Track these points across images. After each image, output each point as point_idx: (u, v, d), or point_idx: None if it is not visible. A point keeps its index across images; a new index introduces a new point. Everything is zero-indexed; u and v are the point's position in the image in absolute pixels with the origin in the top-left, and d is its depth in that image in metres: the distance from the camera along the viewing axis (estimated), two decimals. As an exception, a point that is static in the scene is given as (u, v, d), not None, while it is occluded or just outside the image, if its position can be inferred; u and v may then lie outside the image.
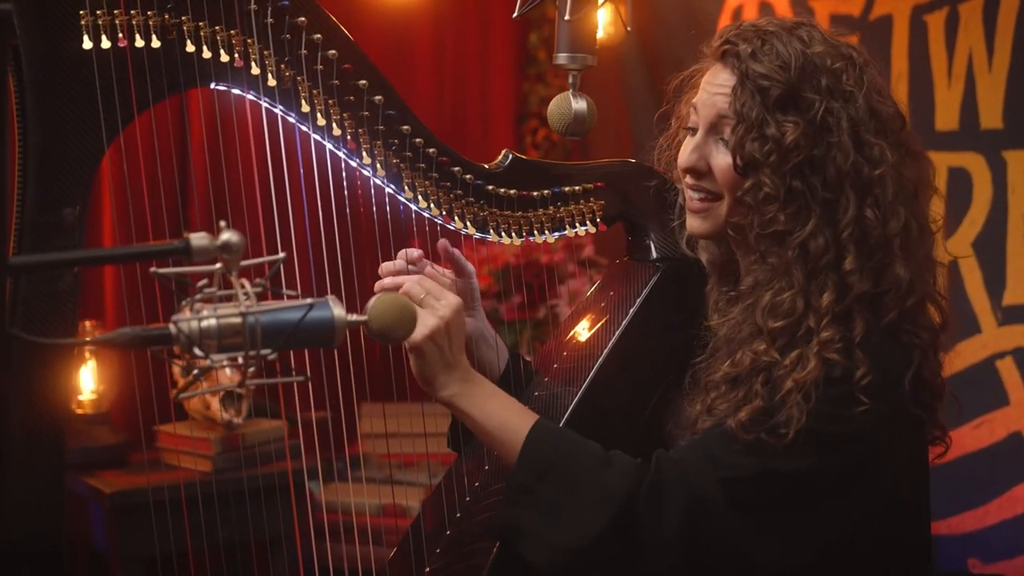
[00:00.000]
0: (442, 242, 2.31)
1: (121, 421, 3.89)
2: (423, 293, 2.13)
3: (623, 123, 4.95)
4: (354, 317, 1.74)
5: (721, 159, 2.12)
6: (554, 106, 2.14)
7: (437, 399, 2.16)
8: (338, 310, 1.69)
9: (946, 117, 3.94)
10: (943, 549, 3.95)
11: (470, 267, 2.38)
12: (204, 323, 1.62)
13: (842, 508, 2.05)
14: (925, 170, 2.17)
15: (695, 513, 2.00)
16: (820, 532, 2.04)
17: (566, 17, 2.04)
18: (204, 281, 1.65)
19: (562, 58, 2.09)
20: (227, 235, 1.59)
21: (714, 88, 2.14)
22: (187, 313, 1.62)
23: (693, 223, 2.21)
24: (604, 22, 4.61)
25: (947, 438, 2.21)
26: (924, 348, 2.07)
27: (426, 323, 2.08)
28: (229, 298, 1.65)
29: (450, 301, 2.13)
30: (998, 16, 3.81)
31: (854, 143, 2.05)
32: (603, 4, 2.09)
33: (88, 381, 3.76)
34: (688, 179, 2.19)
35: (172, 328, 1.61)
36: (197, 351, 1.63)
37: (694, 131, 2.17)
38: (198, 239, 1.59)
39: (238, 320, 1.61)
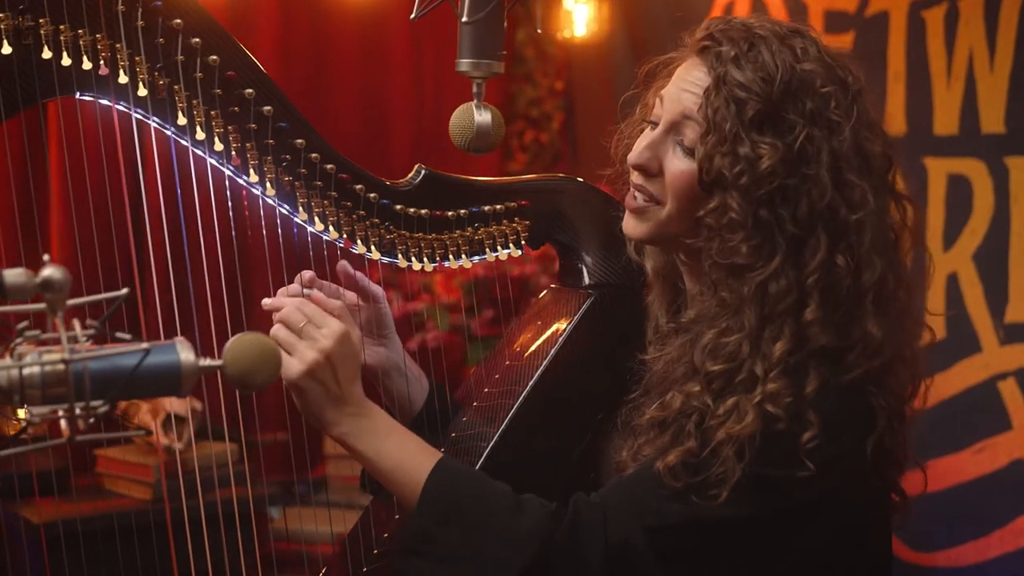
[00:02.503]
0: (341, 264, 2.10)
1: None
2: (303, 321, 1.92)
3: (612, 122, 4.72)
4: (207, 362, 1.53)
5: (676, 163, 1.90)
6: (455, 119, 1.90)
7: (329, 436, 1.96)
8: (186, 354, 1.49)
9: (945, 120, 3.70)
10: (942, 582, 3.73)
11: (378, 290, 2.17)
12: (27, 371, 1.42)
13: (776, 565, 1.86)
14: (910, 217, 1.95)
15: (615, 561, 1.81)
16: None
17: (463, 19, 1.81)
18: (25, 323, 1.45)
19: (464, 65, 1.86)
20: (49, 271, 1.39)
21: (685, 84, 1.91)
22: (7, 359, 1.43)
23: (628, 223, 2.00)
24: (587, 19, 4.39)
25: (907, 504, 2.00)
26: (889, 414, 1.85)
27: (304, 357, 1.89)
28: (72, 341, 1.45)
29: (333, 329, 1.91)
30: (1000, 12, 3.56)
31: (833, 180, 1.82)
32: (511, 7, 1.85)
33: (23, 402, 3.55)
34: (634, 176, 1.97)
35: (-11, 377, 1.41)
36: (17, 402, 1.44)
37: (656, 125, 1.95)
38: (13, 276, 1.40)
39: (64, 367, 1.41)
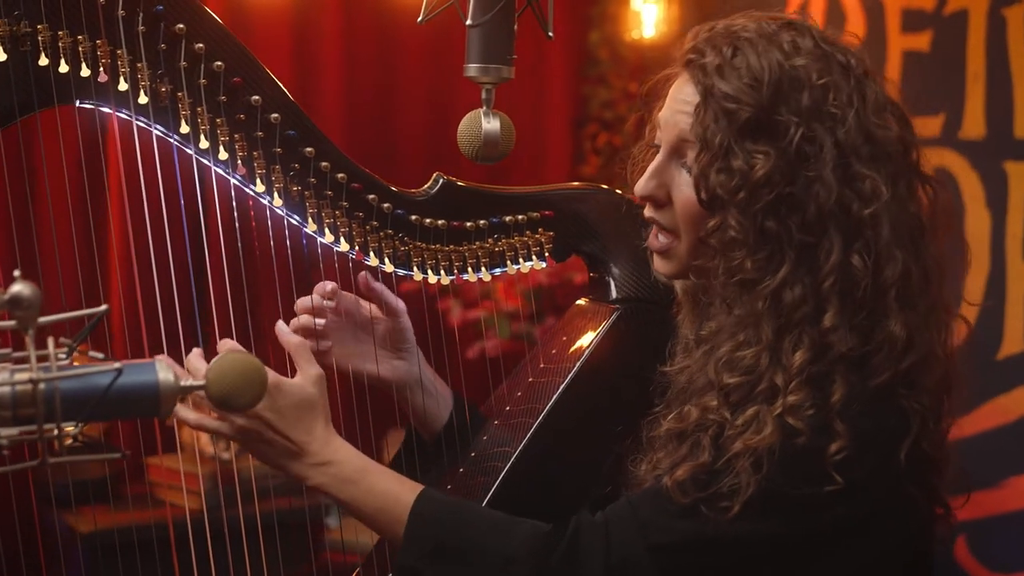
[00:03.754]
0: (363, 275, 2.03)
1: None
2: None
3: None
4: (189, 382, 1.47)
5: (684, 189, 1.80)
6: (462, 127, 1.82)
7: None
8: (165, 374, 1.42)
9: (1027, 123, 3.53)
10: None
11: (400, 304, 2.09)
12: (-2, 389, 1.38)
13: None
14: (940, 201, 1.82)
15: None
16: None
17: (468, 22, 1.72)
18: (-9, 342, 1.41)
19: (472, 70, 1.77)
20: (17, 287, 1.33)
21: (677, 104, 1.81)
22: (-22, 377, 1.39)
23: (657, 263, 1.90)
24: (656, 20, 4.29)
25: (951, 515, 1.87)
26: (924, 415, 1.72)
27: (235, 423, 1.83)
28: (43, 359, 1.40)
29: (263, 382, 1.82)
30: (1084, 10, 3.39)
31: (840, 175, 1.70)
32: (523, 11, 1.76)
33: (76, 409, 3.54)
34: (646, 209, 1.87)
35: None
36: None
37: (659, 149, 1.85)
38: (-21, 292, 1.34)
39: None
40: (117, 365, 1.41)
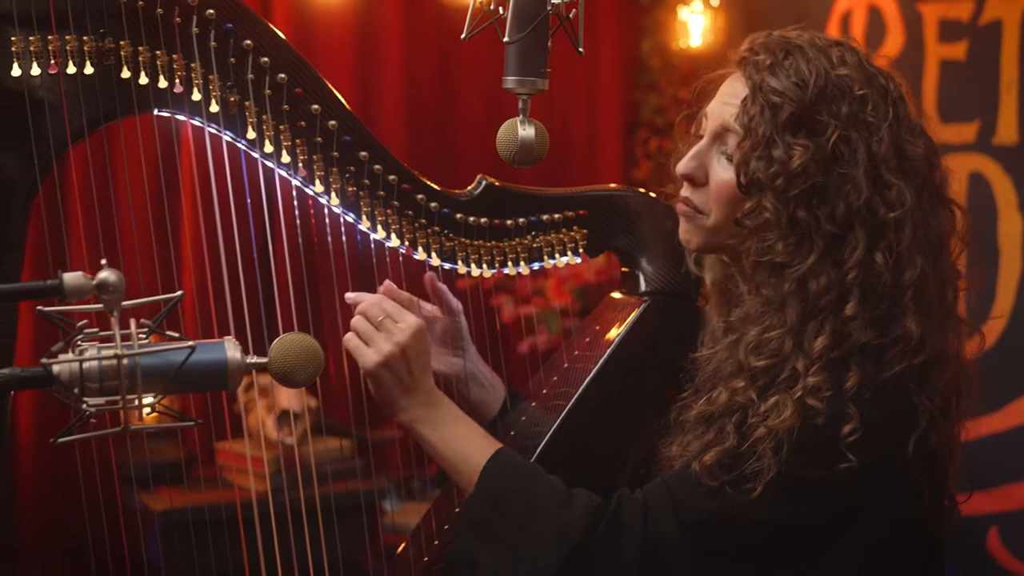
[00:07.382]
0: (429, 276, 2.23)
1: (189, 436, 3.88)
2: (381, 315, 2.06)
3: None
4: (254, 359, 1.67)
5: (721, 173, 2.00)
6: (502, 133, 2.00)
7: (397, 422, 2.09)
8: (232, 352, 1.63)
9: (1058, 131, 3.65)
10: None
11: (457, 304, 2.29)
12: (86, 365, 1.58)
13: (813, 565, 1.90)
14: (956, 221, 2.00)
15: (650, 556, 1.89)
16: None
17: (505, 39, 1.90)
18: (84, 321, 1.61)
19: (509, 82, 1.95)
20: (104, 274, 1.53)
21: (725, 97, 2.01)
22: (68, 353, 1.59)
23: (682, 231, 2.10)
24: (703, 29, 4.44)
25: (957, 508, 2.04)
26: (934, 414, 1.89)
27: (380, 349, 2.04)
28: (126, 338, 1.60)
29: (409, 323, 2.05)
30: (1113, 20, 3.51)
31: (871, 180, 1.89)
32: (555, 31, 1.94)
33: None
34: (683, 189, 2.07)
35: (51, 369, 1.57)
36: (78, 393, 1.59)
37: (702, 138, 2.05)
38: (72, 278, 1.54)
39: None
40: (191, 343, 1.61)
